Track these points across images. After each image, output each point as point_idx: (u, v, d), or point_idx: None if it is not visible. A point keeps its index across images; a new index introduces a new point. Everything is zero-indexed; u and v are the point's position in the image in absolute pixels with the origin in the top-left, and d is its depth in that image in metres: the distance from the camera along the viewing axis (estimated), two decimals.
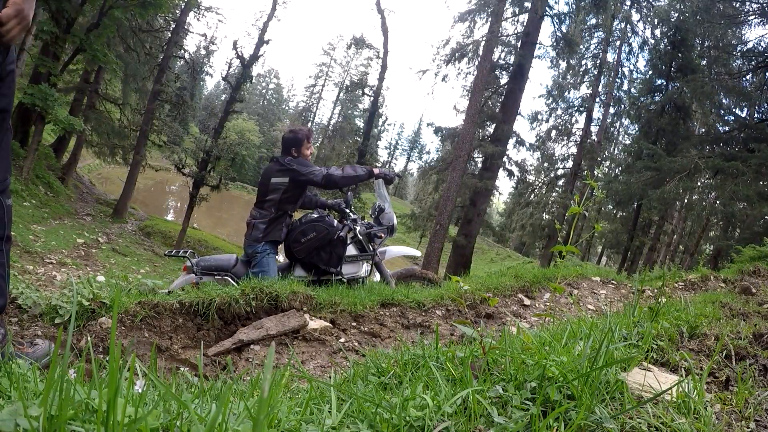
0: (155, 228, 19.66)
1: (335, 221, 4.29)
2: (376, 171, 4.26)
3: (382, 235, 4.48)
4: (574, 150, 27.70)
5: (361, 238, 4.37)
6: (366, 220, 4.62)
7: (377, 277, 4.56)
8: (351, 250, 4.35)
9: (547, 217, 27.88)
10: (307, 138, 4.29)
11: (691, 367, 1.37)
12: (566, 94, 27.96)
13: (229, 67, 21.98)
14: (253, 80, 32.17)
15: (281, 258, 4.48)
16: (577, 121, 28.54)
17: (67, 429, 0.74)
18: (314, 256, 4.19)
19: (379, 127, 55.14)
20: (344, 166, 4.27)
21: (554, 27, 19.86)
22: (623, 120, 29.83)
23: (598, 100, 26.65)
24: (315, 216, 4.26)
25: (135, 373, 1.40)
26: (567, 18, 19.97)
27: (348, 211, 4.57)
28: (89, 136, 22.30)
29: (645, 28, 24.77)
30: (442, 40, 32.37)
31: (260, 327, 3.02)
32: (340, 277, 4.22)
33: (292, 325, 3.02)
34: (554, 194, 28.15)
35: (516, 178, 23.96)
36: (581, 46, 25.10)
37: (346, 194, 4.71)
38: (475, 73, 19.34)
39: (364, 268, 4.43)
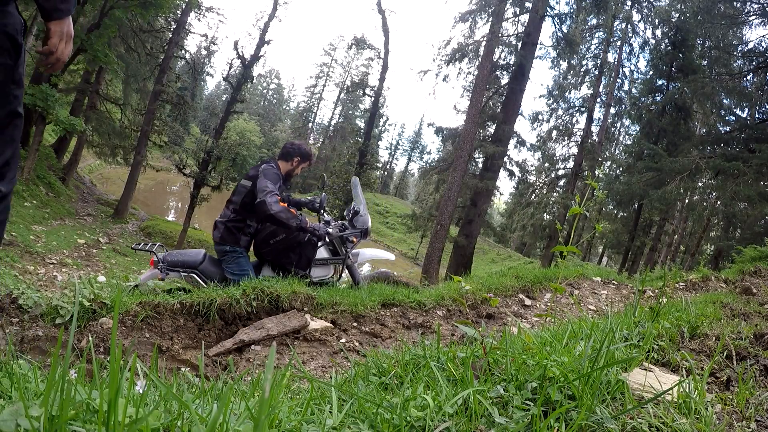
0: (156, 228, 19.68)
1: (308, 221, 4.11)
2: (308, 227, 3.92)
3: (354, 239, 4.30)
4: (575, 150, 27.67)
5: (331, 240, 4.20)
6: (339, 222, 4.46)
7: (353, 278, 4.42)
8: (322, 253, 4.20)
9: (548, 217, 27.85)
10: (310, 161, 4.21)
11: (692, 368, 1.37)
12: (567, 94, 27.93)
13: (230, 68, 21.98)
14: (254, 80, 32.20)
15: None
16: (578, 121, 28.53)
17: (68, 429, 0.74)
18: (283, 258, 4.05)
19: (380, 128, 55.16)
20: (294, 210, 4.00)
21: (555, 27, 19.86)
22: (624, 120, 29.87)
23: (598, 100, 26.61)
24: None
25: (136, 373, 1.40)
26: (568, 18, 19.95)
27: (321, 212, 4.43)
28: (90, 137, 22.34)
29: (646, 29, 24.77)
30: (443, 40, 32.33)
31: (261, 327, 3.02)
32: (308, 280, 4.04)
33: (293, 326, 3.02)
34: (555, 194, 28.10)
35: (517, 178, 23.93)
36: (582, 47, 25.08)
37: (321, 194, 4.55)
38: (476, 73, 19.33)
39: (335, 271, 4.28)
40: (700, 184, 17.10)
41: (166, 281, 3.90)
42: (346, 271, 4.38)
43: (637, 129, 23.43)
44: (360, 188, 4.67)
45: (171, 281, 3.93)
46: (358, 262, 4.44)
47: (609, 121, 28.52)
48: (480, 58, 19.39)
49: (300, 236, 4.00)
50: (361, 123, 52.04)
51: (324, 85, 63.27)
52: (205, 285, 3.85)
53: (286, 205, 3.85)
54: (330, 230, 4.13)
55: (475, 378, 1.27)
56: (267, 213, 3.71)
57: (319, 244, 4.18)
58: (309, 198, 4.56)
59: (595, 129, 27.40)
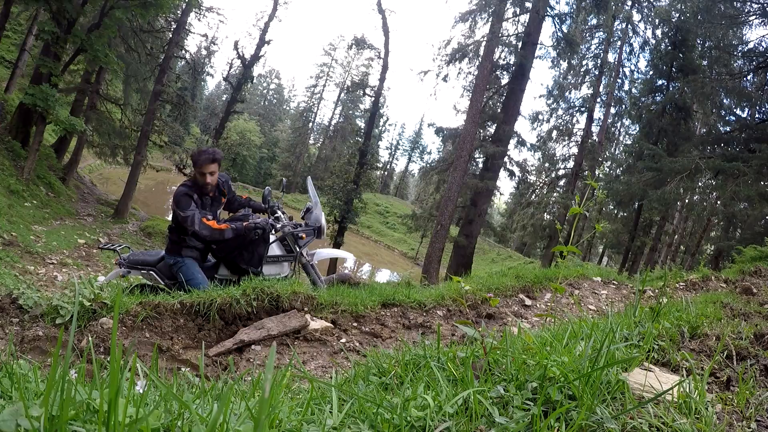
0: (156, 228, 19.65)
1: (260, 219, 4.12)
2: (247, 226, 3.94)
3: (304, 236, 4.28)
4: (575, 150, 27.69)
5: (284, 237, 4.19)
6: (294, 220, 4.46)
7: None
8: (274, 250, 4.19)
9: (548, 217, 27.87)
10: (200, 163, 3.87)
11: (692, 368, 1.37)
12: (567, 94, 27.95)
13: (230, 68, 22.02)
14: (254, 80, 32.20)
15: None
16: (578, 121, 28.54)
17: (69, 429, 0.74)
18: (236, 256, 4.06)
19: (380, 128, 55.05)
20: (229, 221, 4.01)
21: (555, 27, 19.85)
22: (624, 120, 29.85)
23: (599, 100, 26.62)
24: (240, 215, 4.17)
25: (136, 373, 1.40)
26: (568, 18, 19.95)
27: (274, 209, 4.41)
28: (90, 137, 22.31)
29: (646, 29, 24.79)
30: (443, 40, 32.30)
31: (261, 327, 3.02)
32: (261, 278, 3.99)
33: (294, 326, 3.02)
34: (555, 194, 28.11)
35: (517, 178, 23.91)
36: (582, 47, 25.08)
37: (264, 189, 4.55)
38: (476, 73, 19.34)
39: (287, 269, 4.27)
40: (700, 184, 17.10)
41: (127, 278, 4.09)
42: (303, 270, 4.34)
43: (637, 129, 23.41)
44: (313, 187, 4.64)
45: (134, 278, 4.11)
46: (314, 261, 4.40)
47: (609, 121, 28.52)
48: (480, 58, 19.39)
49: (250, 234, 4.01)
50: (361, 123, 51.93)
51: (324, 85, 63.17)
52: (162, 282, 3.97)
53: (213, 222, 3.88)
54: (276, 224, 4.11)
55: (476, 378, 1.27)
56: (205, 238, 3.87)
57: (271, 240, 4.16)
58: (258, 203, 4.49)
59: (595, 129, 27.43)
